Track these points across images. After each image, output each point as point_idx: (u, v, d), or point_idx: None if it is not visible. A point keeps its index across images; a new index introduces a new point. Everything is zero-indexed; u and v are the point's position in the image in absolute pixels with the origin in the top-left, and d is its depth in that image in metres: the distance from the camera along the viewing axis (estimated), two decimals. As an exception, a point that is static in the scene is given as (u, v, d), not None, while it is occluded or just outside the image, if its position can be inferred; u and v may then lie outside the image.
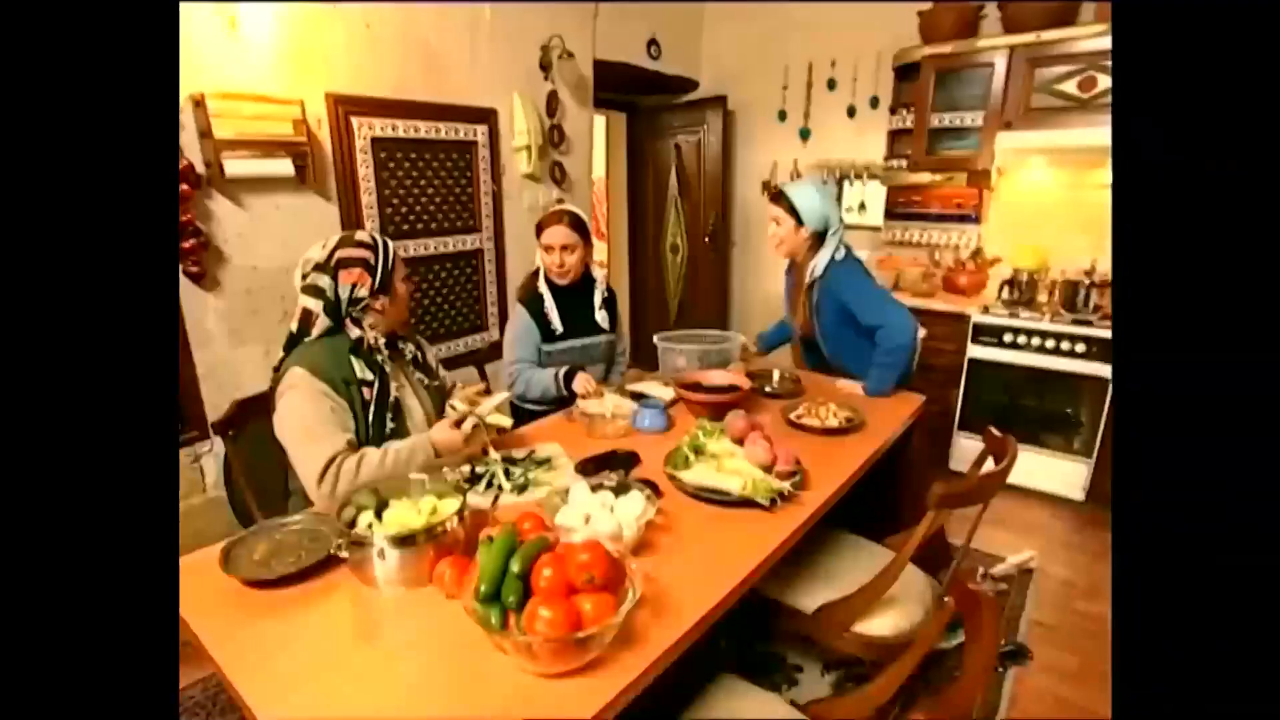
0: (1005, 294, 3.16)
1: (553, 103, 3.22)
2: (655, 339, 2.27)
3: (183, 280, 2.06)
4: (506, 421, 1.55)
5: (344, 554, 1.03)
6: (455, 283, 2.98)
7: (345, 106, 2.39)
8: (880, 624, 1.45)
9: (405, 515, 1.16)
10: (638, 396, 1.97)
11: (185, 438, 2.11)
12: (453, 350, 2.97)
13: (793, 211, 2.03)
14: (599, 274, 2.19)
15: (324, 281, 1.42)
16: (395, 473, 1.35)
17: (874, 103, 3.66)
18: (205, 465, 2.20)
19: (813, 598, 1.51)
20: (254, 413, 1.68)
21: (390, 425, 1.46)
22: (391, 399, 1.48)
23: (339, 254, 1.43)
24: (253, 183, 2.17)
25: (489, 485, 1.42)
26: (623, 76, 3.86)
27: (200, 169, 2.03)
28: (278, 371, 1.42)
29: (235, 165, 2.05)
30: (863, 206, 3.81)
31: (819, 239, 2.06)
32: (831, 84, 3.80)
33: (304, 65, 2.26)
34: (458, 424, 1.44)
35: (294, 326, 1.44)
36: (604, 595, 0.89)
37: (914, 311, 3.06)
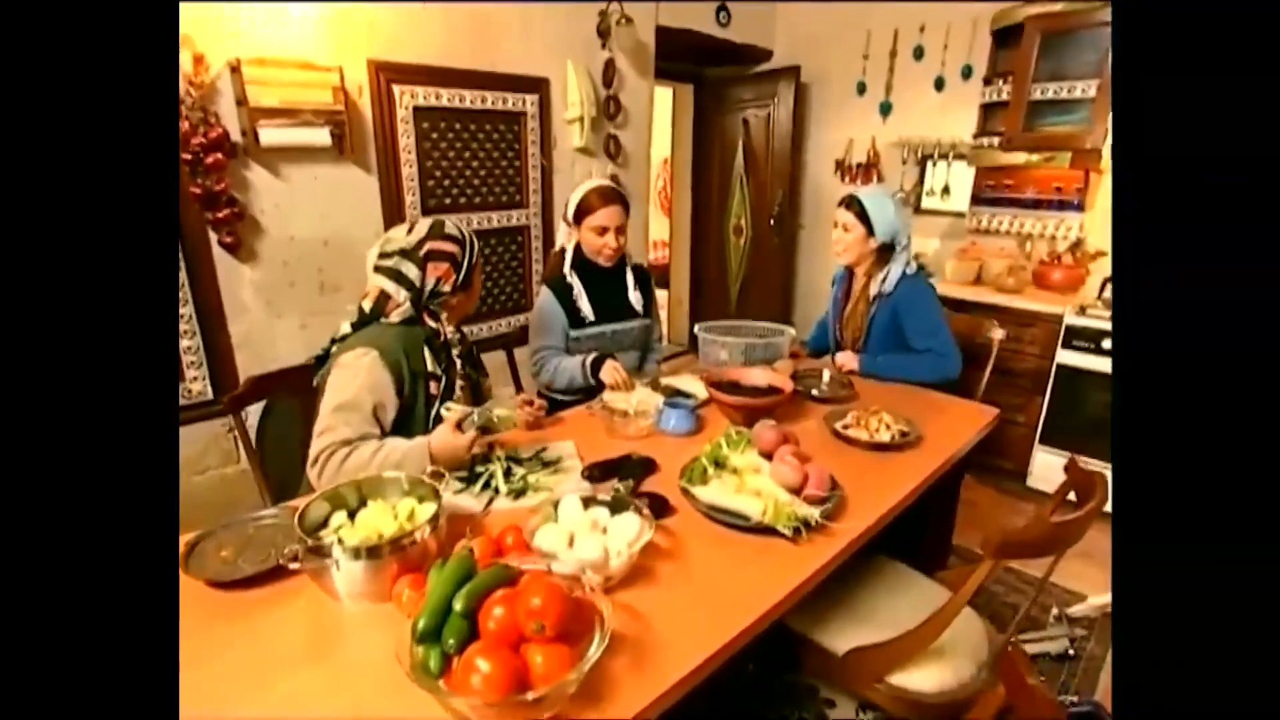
0: (1108, 293, 2.77)
1: (609, 72, 3.05)
2: (696, 328, 2.09)
3: (218, 251, 2.05)
4: (515, 416, 1.42)
5: (294, 565, 0.93)
6: (500, 260, 2.89)
7: (387, 74, 2.31)
8: (921, 678, 1.24)
9: (378, 519, 1.05)
10: (673, 393, 1.81)
11: (219, 408, 2.12)
12: (494, 330, 2.89)
13: (864, 219, 1.92)
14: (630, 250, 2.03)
15: (410, 269, 1.39)
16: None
17: (966, 73, 3.28)
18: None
19: (843, 637, 1.32)
20: (272, 389, 1.65)
21: None
22: (456, 395, 1.44)
23: (429, 245, 1.40)
24: (290, 152, 2.13)
25: (485, 486, 1.30)
26: (689, 45, 3.63)
27: (236, 137, 2.00)
28: (339, 343, 1.38)
29: (270, 134, 2.01)
30: (946, 190, 3.45)
31: (884, 252, 1.96)
32: (919, 52, 3.43)
33: (346, 30, 2.19)
34: (458, 426, 1.34)
35: (367, 305, 1.40)
36: (558, 648, 0.75)
37: (997, 309, 2.79)
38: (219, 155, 1.92)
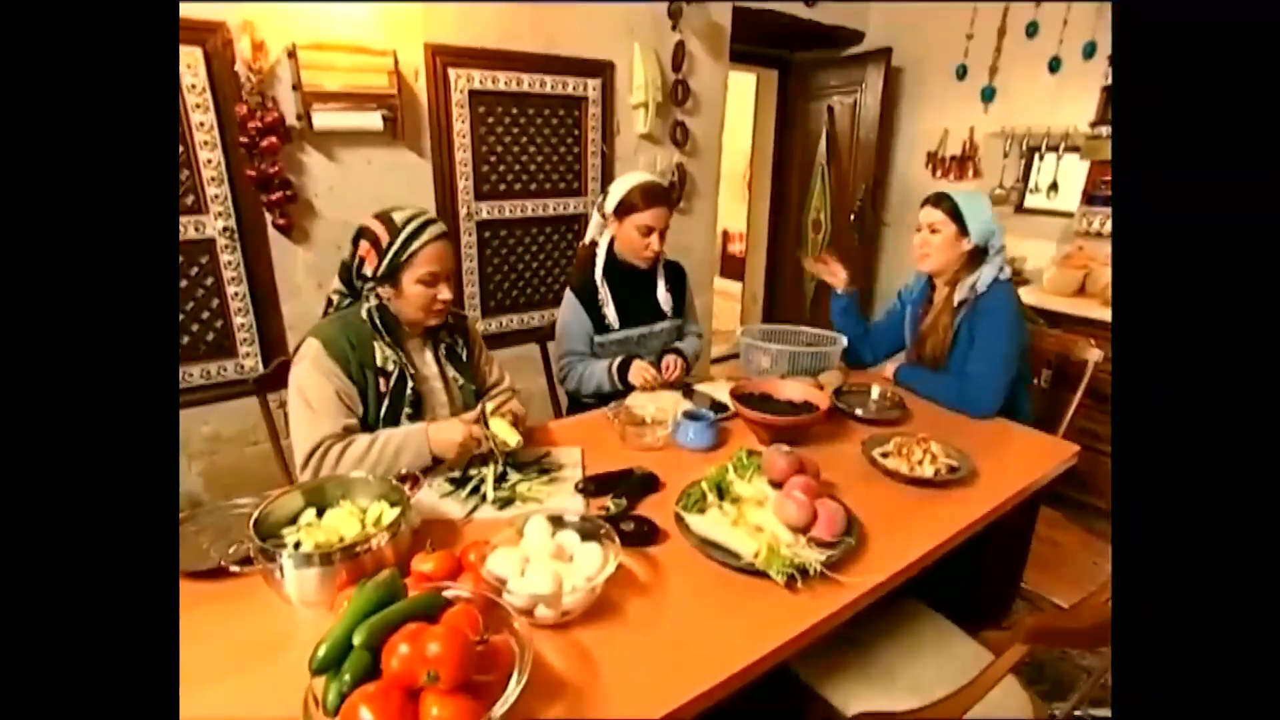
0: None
1: (679, 55, 2.90)
2: (739, 331, 1.95)
3: (271, 232, 2.11)
4: (513, 439, 1.34)
5: (234, 569, 0.90)
6: (555, 249, 2.83)
7: (443, 57, 2.29)
8: (940, 759, 1.06)
9: (342, 522, 1.01)
10: (708, 402, 1.69)
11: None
12: (545, 320, 2.85)
13: (956, 218, 1.68)
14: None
15: (350, 243, 1.34)
16: (381, 469, 1.23)
17: (1088, 51, 2.87)
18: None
19: (854, 697, 1.16)
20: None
21: (408, 417, 1.34)
22: (409, 393, 1.34)
23: (365, 223, 1.33)
24: (345, 136, 2.16)
25: (473, 492, 1.24)
26: (771, 27, 3.42)
27: (292, 121, 2.04)
28: None
29: (323, 118, 2.04)
30: (1054, 187, 3.07)
31: (974, 257, 1.70)
32: (1032, 28, 3.05)
33: (403, 13, 2.18)
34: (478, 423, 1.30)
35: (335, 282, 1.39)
36: (459, 700, 0.66)
37: (1100, 325, 2.43)
38: (273, 139, 1.97)
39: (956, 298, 1.73)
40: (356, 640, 0.69)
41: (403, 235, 1.28)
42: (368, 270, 1.30)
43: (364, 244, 1.31)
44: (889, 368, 1.88)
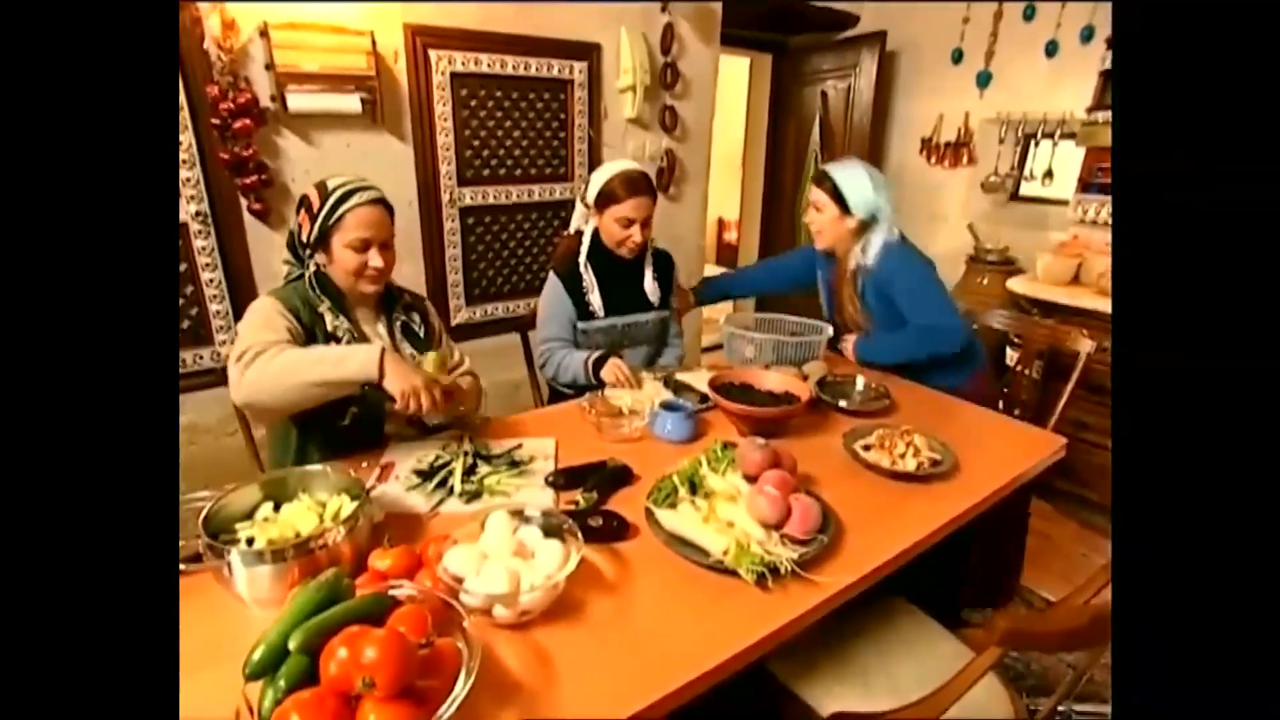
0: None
1: (668, 38, 2.84)
2: (722, 322, 1.91)
3: (247, 218, 2.06)
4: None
5: (181, 566, 0.86)
6: (540, 235, 2.78)
7: (423, 38, 2.23)
8: (915, 760, 1.04)
9: (299, 516, 0.98)
10: (687, 392, 1.65)
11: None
12: (530, 308, 2.80)
13: (837, 197, 1.75)
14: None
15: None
16: (321, 370, 1.14)
17: (1086, 35, 2.81)
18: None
19: (831, 696, 1.13)
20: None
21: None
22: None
23: (306, 192, 1.33)
24: (322, 119, 2.10)
25: (439, 485, 1.20)
26: (764, 10, 3.35)
27: (266, 103, 1.98)
28: None
29: (298, 100, 1.98)
30: (1049, 174, 3.01)
31: (864, 228, 1.77)
32: (1029, 12, 2.98)
33: (380, -4, 2.12)
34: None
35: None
36: (399, 708, 0.63)
37: (1093, 315, 2.39)
38: (246, 121, 1.91)
39: (850, 265, 1.80)
40: (292, 645, 0.65)
41: (332, 199, 1.28)
42: (303, 235, 1.31)
43: (301, 211, 1.32)
44: (847, 348, 1.88)
